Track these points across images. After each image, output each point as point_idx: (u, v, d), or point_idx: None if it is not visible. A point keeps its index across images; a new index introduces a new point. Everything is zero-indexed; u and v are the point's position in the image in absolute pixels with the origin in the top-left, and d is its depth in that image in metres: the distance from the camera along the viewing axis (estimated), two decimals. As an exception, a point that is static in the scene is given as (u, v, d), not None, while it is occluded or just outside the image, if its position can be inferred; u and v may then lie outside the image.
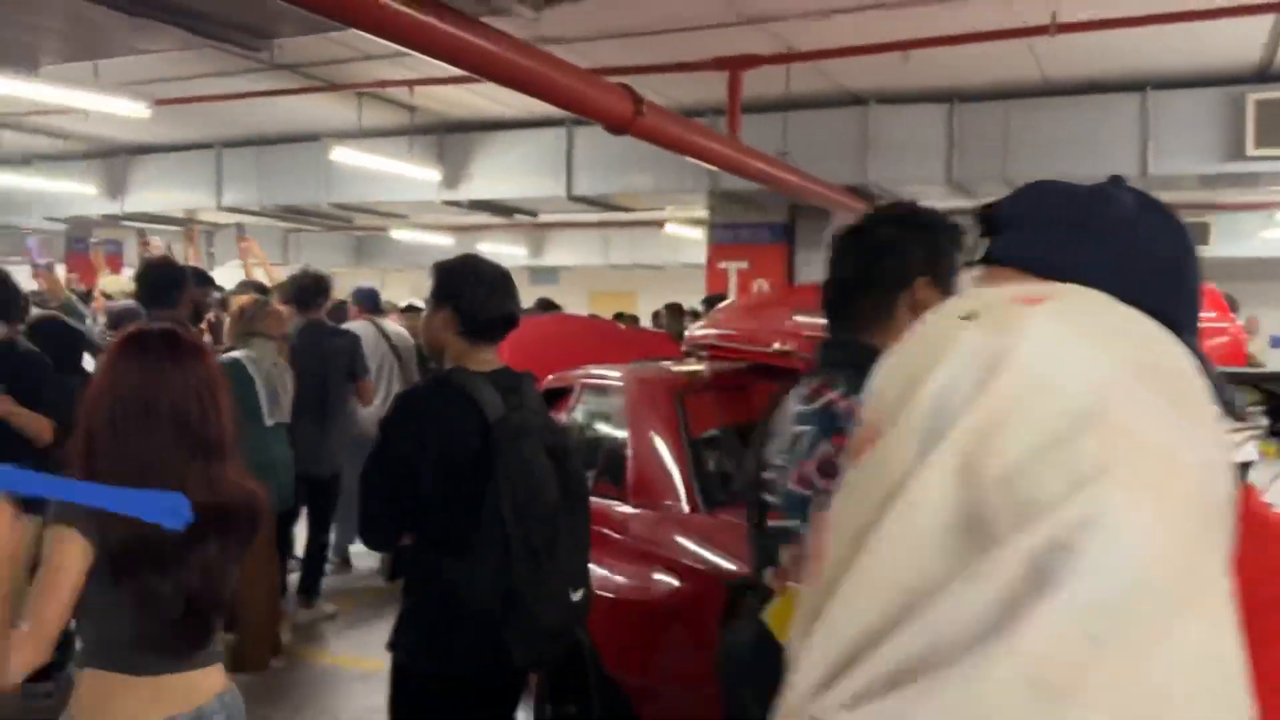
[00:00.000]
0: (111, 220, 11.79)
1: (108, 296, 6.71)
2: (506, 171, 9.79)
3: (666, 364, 4.11)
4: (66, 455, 1.94)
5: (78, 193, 11.20)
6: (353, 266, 17.83)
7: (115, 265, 10.53)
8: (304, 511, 5.45)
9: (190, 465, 1.88)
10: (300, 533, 5.55)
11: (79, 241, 12.99)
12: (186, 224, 11.42)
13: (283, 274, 7.47)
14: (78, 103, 6.68)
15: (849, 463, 0.62)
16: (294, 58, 7.29)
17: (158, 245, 8.17)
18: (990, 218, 0.99)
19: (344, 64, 7.58)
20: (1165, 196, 1.12)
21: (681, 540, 3.09)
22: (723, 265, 9.99)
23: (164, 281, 4.45)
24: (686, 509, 3.16)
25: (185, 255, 10.13)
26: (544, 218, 13.38)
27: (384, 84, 8.02)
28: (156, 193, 11.26)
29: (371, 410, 5.75)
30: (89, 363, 4.32)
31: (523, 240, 16.97)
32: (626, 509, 3.30)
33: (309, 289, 5.61)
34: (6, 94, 6.70)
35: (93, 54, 5.60)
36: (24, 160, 11.42)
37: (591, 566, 2.61)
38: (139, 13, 4.30)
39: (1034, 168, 7.64)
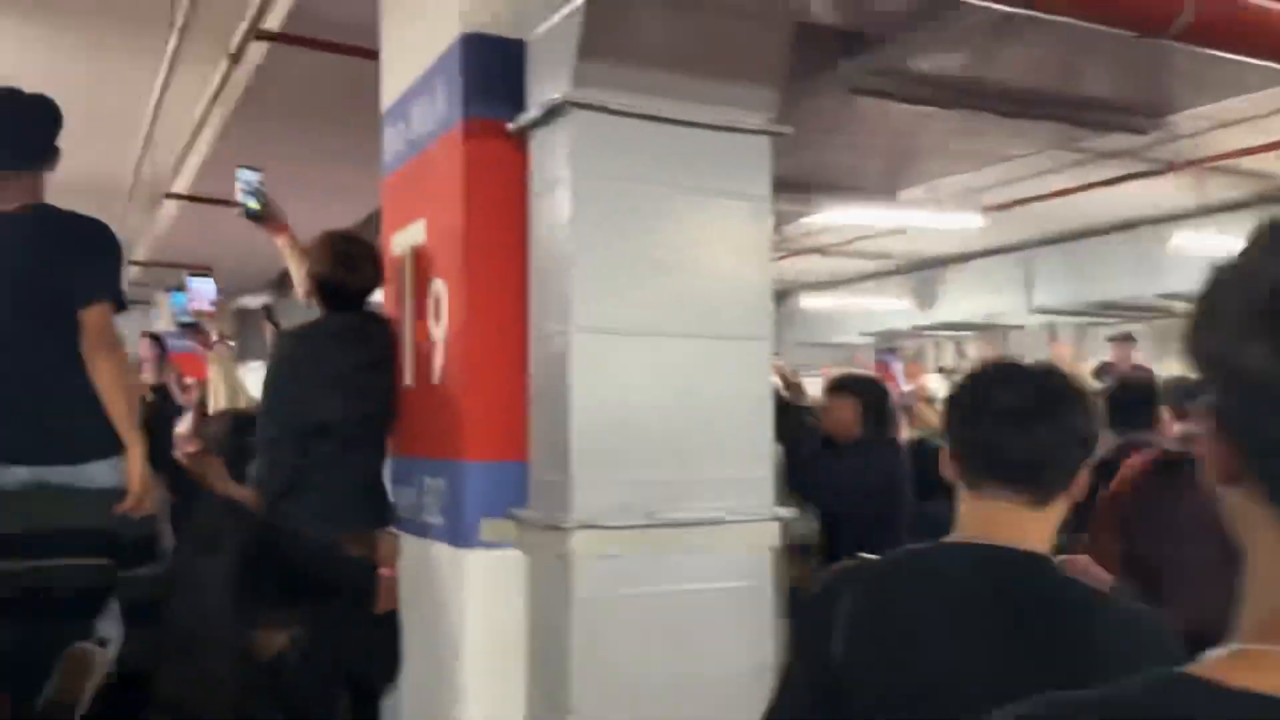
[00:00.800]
0: (918, 331, 12.12)
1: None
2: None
3: None
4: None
5: (892, 308, 11.71)
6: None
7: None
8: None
9: None
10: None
11: (883, 352, 13.70)
12: (988, 329, 11.24)
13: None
14: (921, 222, 6.73)
15: None
16: (1126, 143, 6.59)
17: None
18: None
19: (1189, 139, 6.66)
20: None
21: None
22: None
23: (1136, 399, 3.58)
24: None
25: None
26: None
27: (1232, 154, 6.91)
28: (965, 300, 11.28)
29: None
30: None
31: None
32: None
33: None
34: (844, 223, 7.06)
35: (949, 170, 5.51)
36: (845, 281, 12.32)
37: None
38: (1015, 113, 3.98)
39: None
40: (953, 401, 1.36)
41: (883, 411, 3.37)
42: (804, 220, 7.71)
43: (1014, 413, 1.26)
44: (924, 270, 11.66)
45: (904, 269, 11.80)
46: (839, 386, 3.43)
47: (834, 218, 5.89)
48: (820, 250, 10.06)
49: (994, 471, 1.27)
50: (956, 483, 1.32)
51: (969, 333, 12.14)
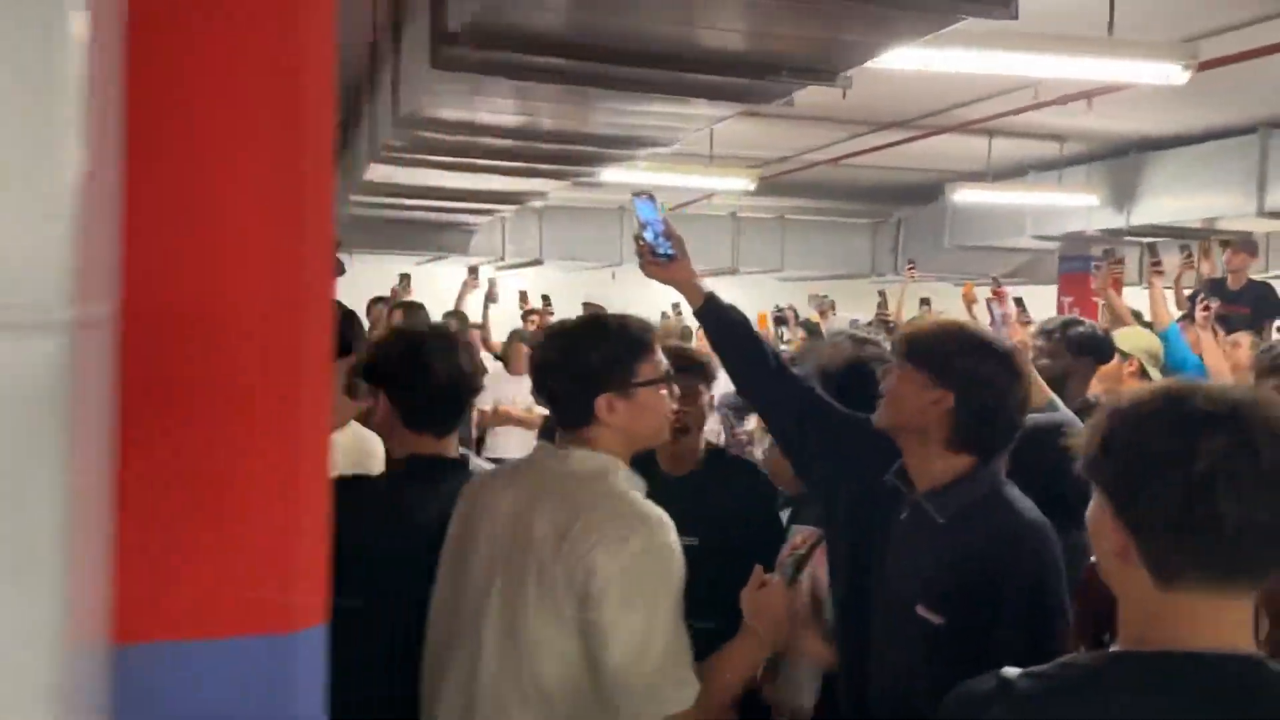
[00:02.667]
0: (1113, 235, 9.62)
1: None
2: None
3: None
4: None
5: (1074, 206, 9.27)
6: None
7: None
8: None
9: None
10: None
11: (1072, 259, 11.22)
12: (1204, 235, 8.70)
13: None
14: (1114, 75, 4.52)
15: None
16: None
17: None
18: None
19: None
20: None
21: None
22: None
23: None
24: None
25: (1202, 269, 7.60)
26: None
27: None
28: (1173, 197, 8.76)
29: None
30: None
31: None
32: None
33: None
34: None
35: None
36: (1017, 171, 9.94)
37: None
38: None
39: None
40: (1162, 458, 1.06)
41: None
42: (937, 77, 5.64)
43: None
44: (1118, 158, 9.15)
45: (1094, 157, 9.31)
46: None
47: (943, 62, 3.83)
48: (982, 127, 7.83)
49: (1234, 563, 1.05)
50: (1125, 568, 1.10)
51: (1174, 239, 9.57)
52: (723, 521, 2.59)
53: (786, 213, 12.74)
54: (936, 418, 1.94)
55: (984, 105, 6.94)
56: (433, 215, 9.17)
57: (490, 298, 8.24)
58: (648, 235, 2.26)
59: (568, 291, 13.12)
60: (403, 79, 4.25)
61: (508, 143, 4.85)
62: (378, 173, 6.34)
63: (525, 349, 7.84)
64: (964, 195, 8.62)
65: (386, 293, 8.11)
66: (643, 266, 2.28)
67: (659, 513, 1.83)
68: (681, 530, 1.86)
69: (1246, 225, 8.86)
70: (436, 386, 2.17)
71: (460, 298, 8.17)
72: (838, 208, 13.00)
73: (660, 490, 1.95)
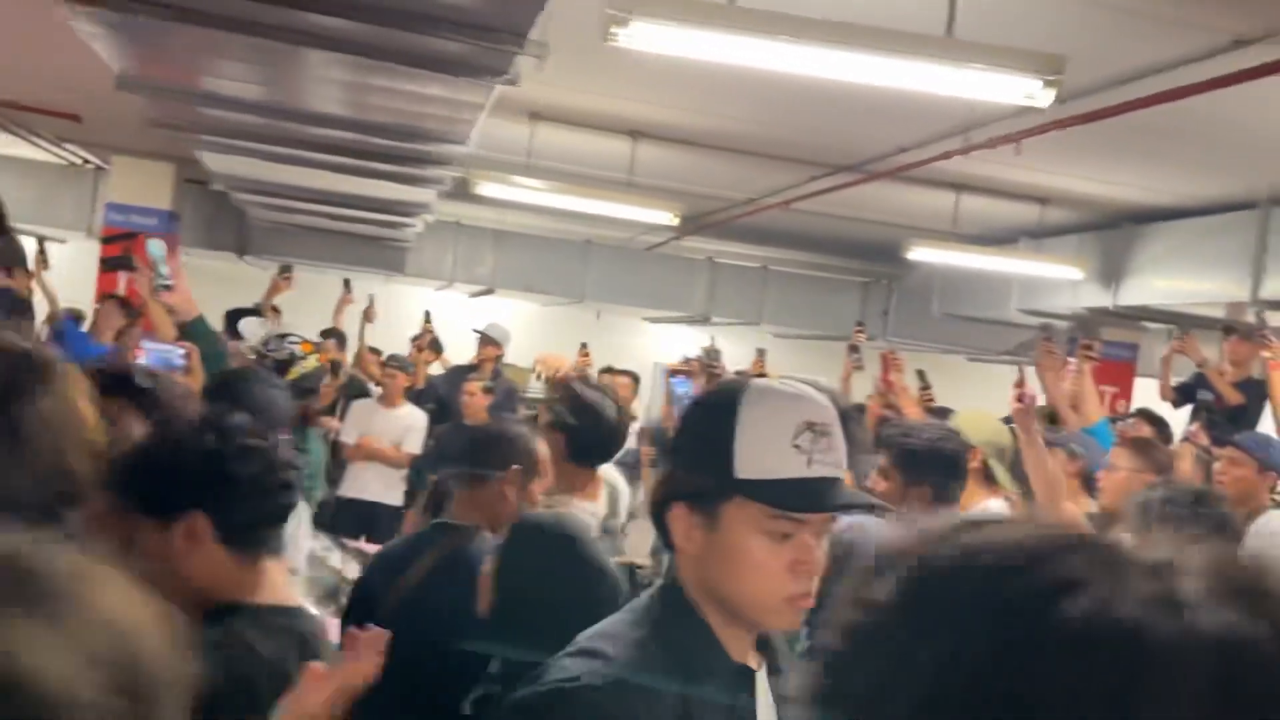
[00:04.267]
0: (1094, 313, 8.59)
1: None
2: None
3: None
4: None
5: (1056, 278, 8.24)
6: None
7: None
8: None
9: None
10: None
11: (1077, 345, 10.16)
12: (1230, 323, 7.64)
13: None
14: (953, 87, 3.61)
15: None
16: None
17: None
18: None
19: None
20: None
21: None
22: None
23: None
24: None
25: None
26: None
27: None
28: (1163, 277, 7.73)
29: None
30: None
31: None
32: None
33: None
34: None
35: None
36: (1005, 237, 8.98)
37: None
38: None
39: None
40: None
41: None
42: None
43: None
44: (1110, 229, 8.15)
45: (1083, 224, 8.32)
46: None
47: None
48: (944, 178, 6.93)
49: None
50: None
51: (1163, 325, 8.50)
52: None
53: (770, 263, 11.87)
54: None
55: (922, 150, 6.04)
56: (344, 225, 8.50)
57: (367, 316, 7.48)
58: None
59: (541, 329, 12.41)
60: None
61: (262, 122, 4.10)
62: (215, 162, 5.67)
63: (404, 379, 7.05)
64: (923, 255, 7.66)
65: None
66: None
67: None
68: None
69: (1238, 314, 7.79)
70: None
71: (336, 313, 7.45)
72: (825, 262, 12.11)
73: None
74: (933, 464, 2.92)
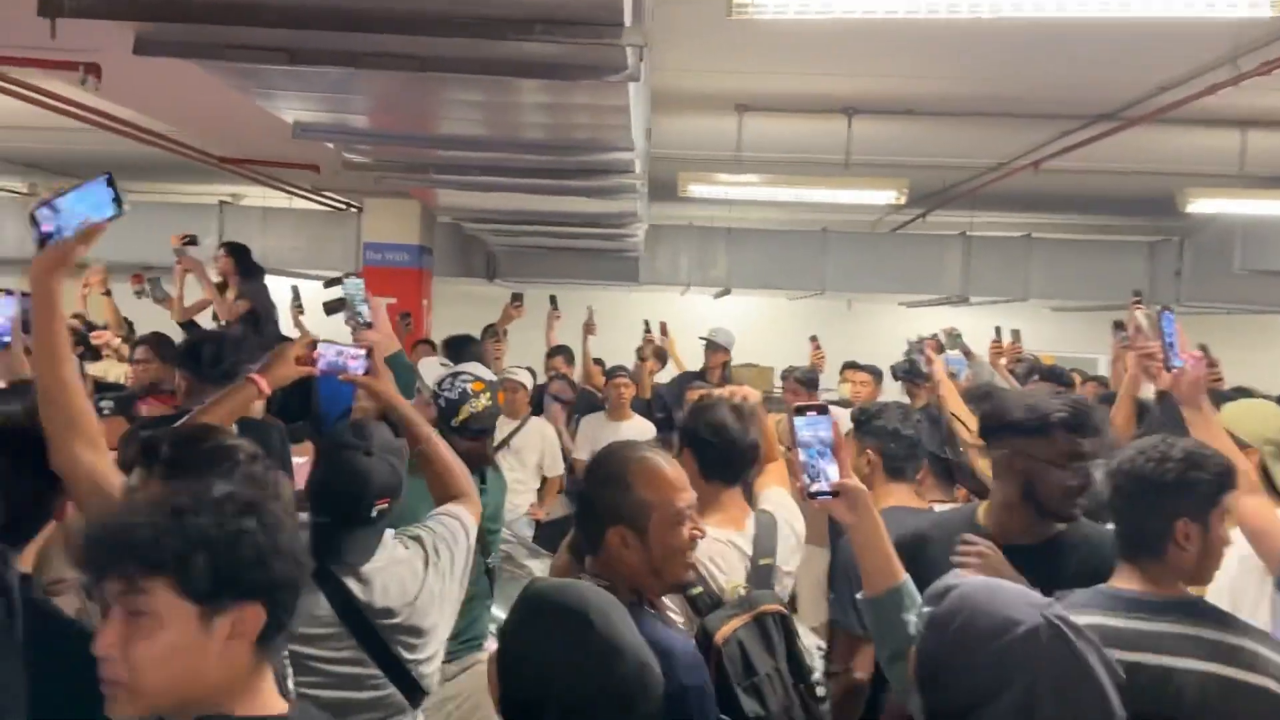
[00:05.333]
0: None
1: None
2: None
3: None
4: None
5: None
6: None
7: None
8: None
9: None
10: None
11: None
12: None
13: None
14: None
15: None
16: None
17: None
18: None
19: None
20: None
21: None
22: None
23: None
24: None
25: None
26: None
27: None
28: None
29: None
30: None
31: None
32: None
33: None
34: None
35: None
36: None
37: None
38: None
39: None
40: None
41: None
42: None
43: None
44: None
45: None
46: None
47: None
48: (1231, 118, 5.85)
49: None
50: None
51: None
52: None
53: (1034, 230, 10.76)
54: None
55: (1185, 88, 5.08)
56: (568, 242, 8.43)
57: (587, 329, 7.38)
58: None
59: (790, 324, 11.90)
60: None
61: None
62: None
63: (629, 390, 6.80)
64: (1205, 205, 6.55)
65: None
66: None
67: None
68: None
69: None
70: None
71: (548, 331, 7.38)
72: (1101, 224, 10.84)
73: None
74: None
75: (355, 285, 3.19)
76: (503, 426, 6.39)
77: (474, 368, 3.39)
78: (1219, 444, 2.31)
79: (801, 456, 1.91)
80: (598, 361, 7.48)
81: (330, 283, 3.24)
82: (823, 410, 1.92)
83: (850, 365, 7.18)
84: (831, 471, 1.90)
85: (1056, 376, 6.26)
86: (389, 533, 2.39)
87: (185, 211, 10.08)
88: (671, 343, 8.19)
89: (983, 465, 3.46)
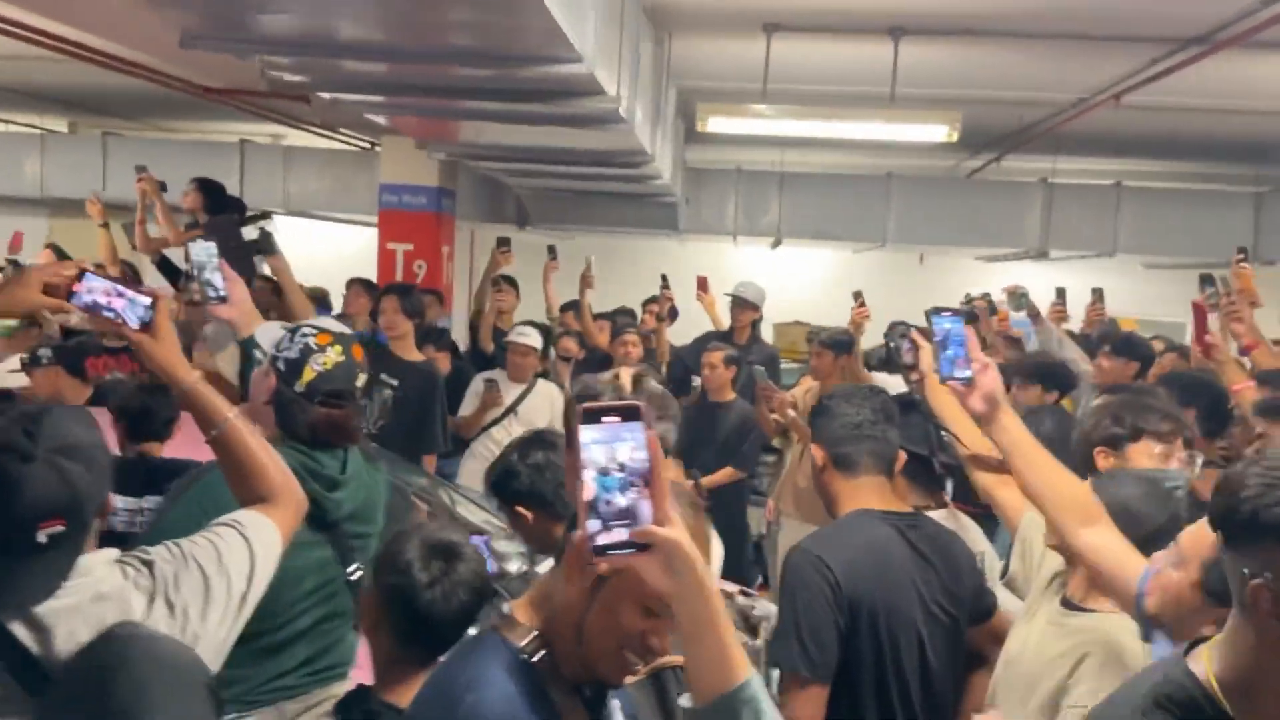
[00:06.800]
0: None
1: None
2: None
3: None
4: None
5: None
6: None
7: None
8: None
9: None
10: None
11: None
12: None
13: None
14: None
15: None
16: None
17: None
18: None
19: None
20: None
21: None
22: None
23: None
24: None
25: None
26: None
27: None
28: None
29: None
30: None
31: None
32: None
33: None
34: None
35: None
36: None
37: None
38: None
39: None
40: None
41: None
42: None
43: None
44: None
45: None
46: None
47: None
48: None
49: None
50: None
51: None
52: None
53: (1125, 178, 9.67)
54: None
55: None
56: (588, 184, 7.74)
57: (585, 282, 6.75)
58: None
59: (852, 279, 11.03)
60: None
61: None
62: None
63: (638, 349, 6.12)
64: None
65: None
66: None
67: None
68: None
69: None
70: None
71: (545, 283, 6.77)
72: (1202, 171, 9.70)
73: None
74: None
75: (205, 250, 2.68)
76: (509, 391, 5.78)
77: (322, 320, 2.75)
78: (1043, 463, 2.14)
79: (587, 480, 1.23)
80: (604, 317, 6.82)
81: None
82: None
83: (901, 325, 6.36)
84: (643, 510, 1.23)
85: (1131, 347, 5.40)
86: (104, 554, 1.77)
87: (206, 149, 9.63)
88: (711, 301, 7.46)
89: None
